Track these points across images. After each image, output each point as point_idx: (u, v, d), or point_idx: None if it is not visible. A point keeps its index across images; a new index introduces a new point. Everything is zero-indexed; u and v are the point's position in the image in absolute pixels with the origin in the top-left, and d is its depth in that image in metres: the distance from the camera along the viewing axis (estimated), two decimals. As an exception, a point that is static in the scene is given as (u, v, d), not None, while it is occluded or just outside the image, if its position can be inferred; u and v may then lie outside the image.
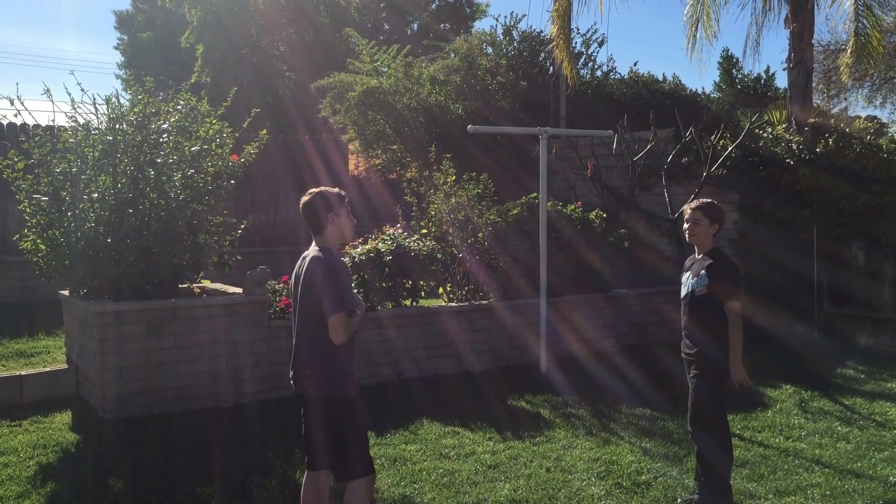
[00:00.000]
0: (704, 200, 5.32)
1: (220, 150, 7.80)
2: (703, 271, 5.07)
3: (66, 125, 7.58)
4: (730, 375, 4.97)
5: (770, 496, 5.24)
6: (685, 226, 5.26)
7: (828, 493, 5.29)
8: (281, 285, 8.09)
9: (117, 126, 7.33)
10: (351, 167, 16.75)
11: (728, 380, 4.99)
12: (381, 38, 23.73)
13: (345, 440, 4.05)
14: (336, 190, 4.25)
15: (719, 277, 5.01)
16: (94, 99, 7.54)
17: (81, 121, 7.53)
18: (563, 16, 12.67)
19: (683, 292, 5.25)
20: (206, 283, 8.29)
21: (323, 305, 3.94)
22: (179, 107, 7.78)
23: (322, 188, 4.23)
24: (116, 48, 32.24)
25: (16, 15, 67.69)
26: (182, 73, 26.17)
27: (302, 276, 4.08)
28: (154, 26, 29.44)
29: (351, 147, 16.18)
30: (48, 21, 70.69)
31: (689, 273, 5.24)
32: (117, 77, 32.91)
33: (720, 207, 5.27)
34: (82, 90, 7.96)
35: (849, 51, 12.04)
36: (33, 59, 73.36)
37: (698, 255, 5.23)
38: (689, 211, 5.25)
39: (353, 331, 4.07)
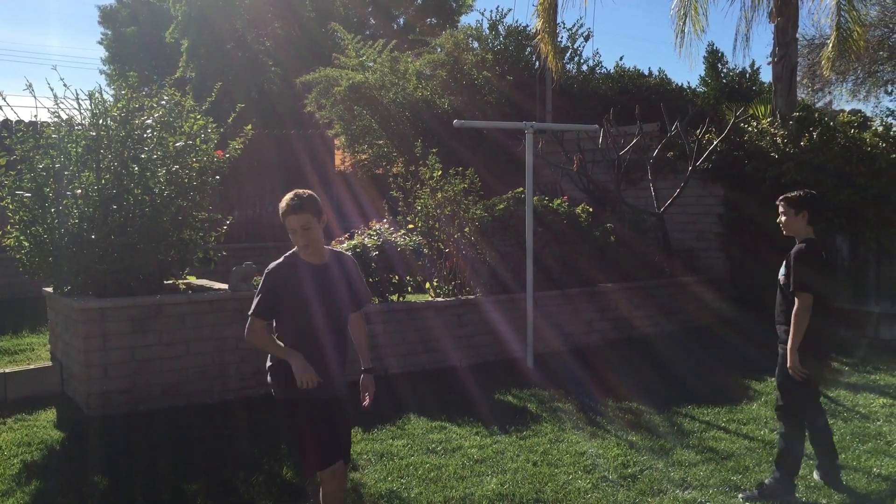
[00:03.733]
0: (790, 193, 5.39)
1: (204, 146, 7.76)
2: (785, 260, 5.26)
3: (49, 121, 7.52)
4: (812, 365, 5.12)
5: (755, 488, 5.27)
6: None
7: (812, 484, 5.33)
8: None
9: (101, 121, 7.27)
10: (337, 162, 16.72)
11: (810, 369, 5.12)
12: (367, 32, 23.71)
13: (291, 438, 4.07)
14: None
15: (793, 266, 5.15)
16: (77, 94, 7.48)
17: (64, 116, 7.47)
18: (549, 9, 12.67)
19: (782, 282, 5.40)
20: (192, 280, 8.26)
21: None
22: (163, 102, 7.74)
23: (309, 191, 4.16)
24: (100, 43, 32.11)
25: (-2, 10, 67.08)
26: (167, 68, 26.11)
27: None
28: (138, 21, 29.30)
29: (337, 142, 16.14)
30: (31, 16, 70.04)
31: (784, 262, 5.37)
32: (101, 72, 32.72)
33: (801, 195, 5.30)
34: (65, 85, 7.90)
35: (830, 45, 12.12)
36: (15, 54, 72.75)
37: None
38: (778, 205, 5.38)
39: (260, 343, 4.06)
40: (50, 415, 6.80)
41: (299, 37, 23.35)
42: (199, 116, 7.82)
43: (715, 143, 10.93)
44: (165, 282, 7.73)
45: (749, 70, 19.97)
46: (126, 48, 29.74)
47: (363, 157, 15.81)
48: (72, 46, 75.24)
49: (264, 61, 23.06)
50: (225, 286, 7.76)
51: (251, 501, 5.06)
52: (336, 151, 16.59)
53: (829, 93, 22.75)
